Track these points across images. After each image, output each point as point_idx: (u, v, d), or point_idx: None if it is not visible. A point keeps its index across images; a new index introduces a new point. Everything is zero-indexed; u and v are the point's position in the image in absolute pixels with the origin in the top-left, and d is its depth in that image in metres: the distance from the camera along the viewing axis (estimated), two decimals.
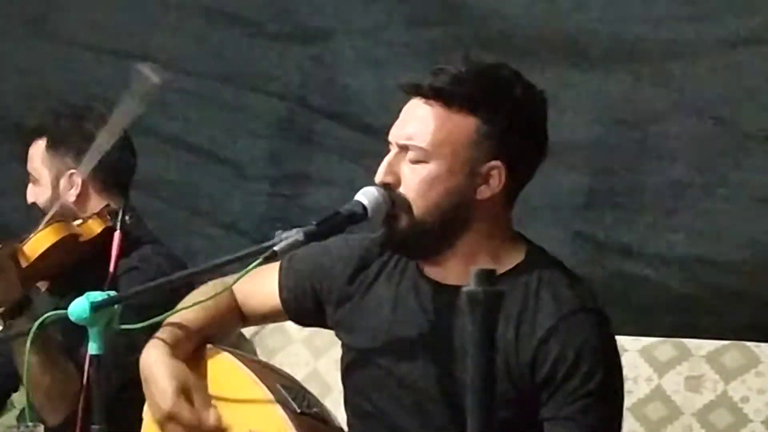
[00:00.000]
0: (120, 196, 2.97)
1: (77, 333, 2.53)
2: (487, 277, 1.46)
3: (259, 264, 2.17)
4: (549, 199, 3.12)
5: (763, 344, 2.87)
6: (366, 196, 2.24)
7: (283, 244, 2.18)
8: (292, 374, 3.18)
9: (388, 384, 2.30)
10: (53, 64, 3.86)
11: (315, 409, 2.37)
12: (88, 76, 3.84)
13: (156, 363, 2.38)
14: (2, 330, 2.72)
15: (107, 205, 2.94)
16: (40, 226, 2.82)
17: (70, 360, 2.72)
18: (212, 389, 2.43)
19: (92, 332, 2.19)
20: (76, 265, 2.86)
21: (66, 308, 2.20)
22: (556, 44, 3.18)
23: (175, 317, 2.42)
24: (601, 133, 3.14)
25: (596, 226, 3.19)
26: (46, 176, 2.97)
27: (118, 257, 2.78)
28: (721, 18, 3.05)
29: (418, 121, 2.20)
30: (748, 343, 2.88)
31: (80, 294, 2.18)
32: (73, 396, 2.61)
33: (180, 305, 2.41)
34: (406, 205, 2.21)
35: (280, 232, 2.21)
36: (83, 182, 2.95)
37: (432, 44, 3.34)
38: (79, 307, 2.18)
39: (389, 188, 2.21)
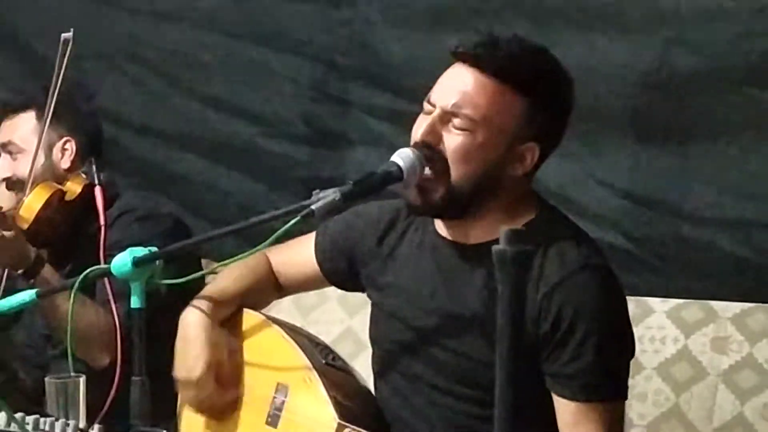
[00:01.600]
0: (97, 158, 3.00)
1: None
2: (516, 236, 1.48)
3: (297, 222, 2.15)
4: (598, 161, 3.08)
5: None
6: (401, 157, 2.23)
7: (320, 203, 2.17)
8: (327, 332, 3.25)
9: (407, 337, 2.34)
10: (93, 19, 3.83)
11: (339, 362, 2.41)
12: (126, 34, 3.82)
13: (194, 326, 2.42)
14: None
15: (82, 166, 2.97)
16: (27, 191, 2.87)
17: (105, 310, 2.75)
18: (245, 348, 2.47)
19: (134, 287, 2.19)
20: (69, 227, 2.91)
21: (68, 276, 2.23)
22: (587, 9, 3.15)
23: (214, 286, 2.49)
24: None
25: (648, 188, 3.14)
26: (35, 146, 2.93)
27: (105, 208, 2.84)
28: None
29: (470, 91, 2.20)
30: None
31: (81, 256, 2.22)
32: (111, 342, 2.64)
33: (220, 267, 2.44)
34: (444, 167, 2.21)
35: (317, 191, 2.20)
36: (76, 149, 2.99)
37: (461, 6, 3.31)
38: (120, 262, 2.19)
39: (429, 147, 2.20)
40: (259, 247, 2.23)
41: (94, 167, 2.91)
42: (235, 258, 2.29)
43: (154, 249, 2.21)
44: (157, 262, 2.20)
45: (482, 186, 2.22)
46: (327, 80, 3.53)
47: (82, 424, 1.92)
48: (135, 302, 2.18)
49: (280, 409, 2.38)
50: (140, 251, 2.20)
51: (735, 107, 2.98)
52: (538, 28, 3.14)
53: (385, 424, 2.37)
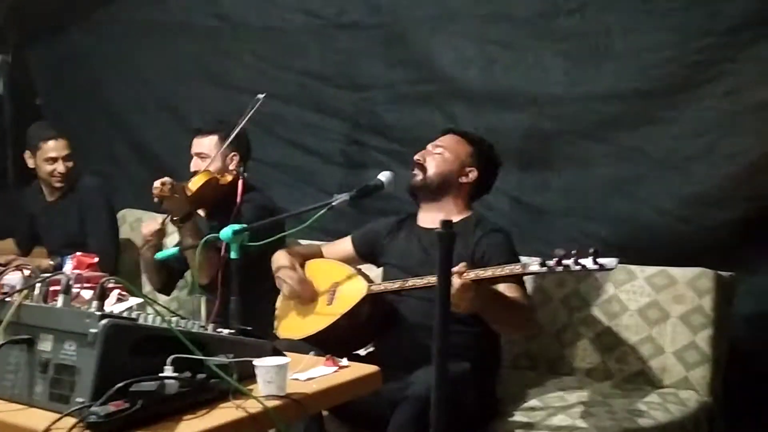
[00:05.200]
0: (243, 164, 2.93)
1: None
2: (446, 223, 1.48)
3: (325, 213, 2.19)
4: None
5: None
6: (384, 176, 2.32)
7: (337, 201, 2.22)
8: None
9: (401, 276, 2.36)
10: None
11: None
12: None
13: (283, 257, 2.50)
14: (179, 234, 2.68)
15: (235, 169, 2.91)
16: (197, 173, 2.81)
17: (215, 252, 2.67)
18: (312, 272, 2.50)
19: (233, 246, 2.17)
20: (219, 198, 2.82)
21: (217, 229, 2.19)
22: (493, 95, 3.05)
23: (290, 248, 2.58)
24: None
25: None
26: (217, 155, 2.88)
27: (243, 194, 2.77)
28: None
29: (448, 140, 2.47)
30: None
31: (222, 217, 2.16)
32: (214, 271, 2.56)
33: (286, 235, 2.47)
34: (425, 169, 2.41)
35: (336, 194, 2.23)
36: (238, 161, 2.91)
37: (427, 93, 3.20)
38: (226, 232, 2.17)
39: (423, 159, 2.42)
40: (303, 225, 2.23)
41: (242, 168, 2.84)
42: (293, 230, 2.29)
43: (245, 225, 2.16)
44: (246, 233, 2.17)
45: (444, 181, 2.38)
46: (354, 132, 3.45)
47: (203, 323, 1.84)
48: (233, 254, 2.17)
49: (333, 295, 2.41)
50: (237, 227, 2.16)
51: (570, 150, 2.91)
52: (468, 106, 3.06)
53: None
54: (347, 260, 2.57)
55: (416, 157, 2.45)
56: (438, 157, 2.42)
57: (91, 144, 4.10)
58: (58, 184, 3.41)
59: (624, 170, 2.80)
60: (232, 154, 2.91)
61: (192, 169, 2.96)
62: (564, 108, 2.88)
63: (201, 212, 2.89)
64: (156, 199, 2.63)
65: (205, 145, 2.95)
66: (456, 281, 1.99)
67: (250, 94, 3.58)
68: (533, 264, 1.93)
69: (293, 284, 2.44)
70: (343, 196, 2.22)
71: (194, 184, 2.75)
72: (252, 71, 3.64)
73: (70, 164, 3.41)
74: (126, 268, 3.44)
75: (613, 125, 2.80)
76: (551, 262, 1.87)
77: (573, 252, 1.84)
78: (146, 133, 4.02)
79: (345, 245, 2.61)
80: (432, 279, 2.20)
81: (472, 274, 2.03)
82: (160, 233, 2.74)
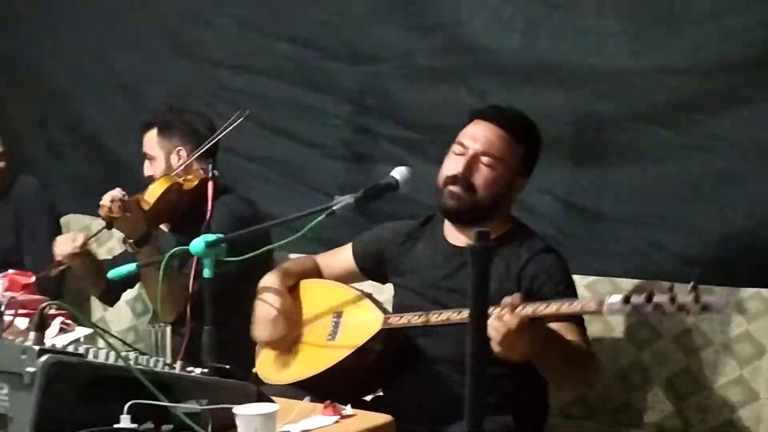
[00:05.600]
0: (210, 160, 2.87)
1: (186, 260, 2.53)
2: (482, 235, 1.44)
3: (323, 219, 2.17)
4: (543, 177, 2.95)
5: None
6: (399, 172, 2.30)
7: (339, 205, 2.20)
8: None
9: (416, 302, 2.38)
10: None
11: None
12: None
13: (270, 285, 2.46)
14: (133, 255, 2.71)
15: (202, 166, 2.91)
16: (153, 180, 2.83)
17: (181, 277, 2.69)
18: (305, 299, 2.49)
19: (206, 262, 2.17)
20: (183, 208, 2.83)
21: (184, 244, 2.19)
22: (536, 69, 3.03)
23: (281, 266, 2.57)
24: None
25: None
26: (160, 154, 2.94)
27: (214, 198, 2.74)
28: None
29: (492, 138, 2.36)
30: None
31: (191, 229, 2.18)
32: (183, 302, 2.55)
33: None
34: (472, 188, 2.34)
35: (337, 196, 2.22)
36: (187, 155, 2.94)
37: (450, 66, 3.19)
38: (197, 244, 2.17)
39: (465, 177, 2.34)
40: (297, 235, 2.20)
41: (210, 166, 2.76)
42: (283, 242, 2.24)
43: (221, 235, 2.17)
44: (222, 245, 2.18)
45: (494, 201, 2.35)
46: (358, 116, 3.44)
47: (168, 360, 1.85)
48: (206, 273, 2.16)
49: (336, 326, 2.39)
50: (211, 237, 2.16)
51: (635, 139, 2.88)
52: (504, 82, 3.05)
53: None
54: (346, 276, 2.57)
55: (458, 170, 2.34)
56: (488, 172, 2.34)
57: (27, 136, 4.13)
58: None
59: (705, 165, 2.77)
60: (177, 149, 2.94)
61: (146, 172, 3.00)
62: (626, 85, 2.85)
63: (164, 226, 2.91)
64: (103, 219, 2.64)
65: (147, 142, 2.98)
66: (508, 319, 1.92)
67: (228, 69, 3.62)
68: (613, 301, 1.83)
69: (270, 333, 2.40)
70: (346, 199, 2.21)
71: (151, 196, 2.76)
72: (229, 40, 3.65)
73: (1, 165, 3.45)
74: (71, 290, 3.45)
75: (689, 107, 2.78)
76: (638, 299, 1.78)
77: (668, 287, 1.77)
78: (96, 120, 4.04)
79: (344, 256, 2.61)
80: (465, 315, 2.15)
81: (528, 309, 1.95)
82: (80, 258, 2.74)
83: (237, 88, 3.65)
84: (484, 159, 2.33)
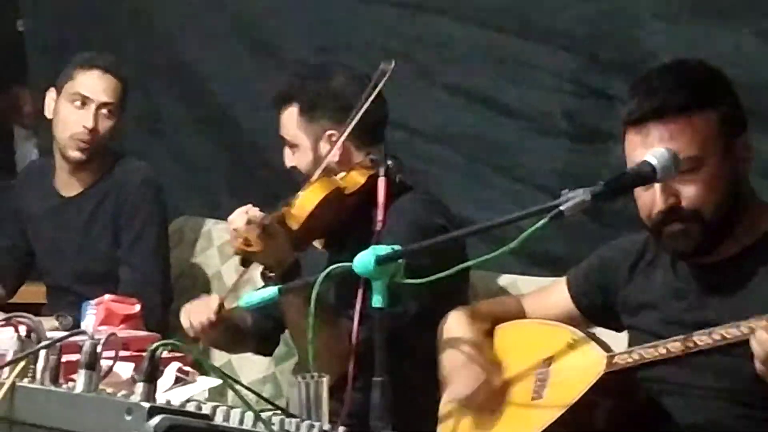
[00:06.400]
0: (378, 145, 2.93)
1: (348, 293, 2.53)
2: None
3: (545, 224, 2.13)
4: None
5: None
6: (655, 155, 2.25)
7: (569, 204, 2.16)
8: None
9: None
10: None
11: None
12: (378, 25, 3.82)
13: (457, 324, 2.49)
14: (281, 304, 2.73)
15: (368, 155, 2.91)
16: (305, 187, 2.81)
17: (340, 317, 2.71)
18: (503, 346, 2.54)
19: (376, 285, 2.16)
20: (346, 218, 2.85)
21: (343, 262, 2.20)
22: None
23: (468, 307, 2.61)
24: None
25: None
26: (305, 141, 2.94)
27: (388, 201, 2.76)
28: None
29: (675, 139, 2.32)
30: None
31: (354, 247, 2.18)
32: (344, 356, 2.57)
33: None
34: (693, 215, 2.33)
35: (566, 191, 2.19)
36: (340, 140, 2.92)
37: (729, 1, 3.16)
38: (363, 260, 2.15)
39: (674, 209, 2.32)
40: (506, 248, 2.17)
41: (384, 157, 2.84)
42: (482, 258, 2.22)
43: (397, 247, 2.17)
44: (400, 261, 2.16)
45: (731, 202, 2.35)
46: (588, 74, 3.42)
47: (326, 426, 1.86)
48: (376, 301, 2.15)
49: (544, 380, 2.43)
50: (382, 249, 2.17)
51: None
52: None
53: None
54: (563, 322, 2.59)
55: (659, 206, 2.34)
56: (697, 184, 2.34)
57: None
58: (77, 154, 3.55)
59: None
60: (327, 133, 2.94)
61: (287, 162, 3.02)
62: None
63: (316, 242, 2.94)
64: (236, 254, 2.68)
65: (285, 124, 3.00)
66: None
67: (396, 7, 3.65)
68: None
69: (467, 389, 2.43)
70: (579, 195, 2.17)
71: (302, 210, 2.75)
72: None
73: (110, 122, 3.54)
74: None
75: None
76: None
77: None
78: (217, 81, 4.19)
79: (557, 295, 2.64)
80: (732, 331, 2.19)
81: None
82: (218, 324, 2.79)
83: (410, 34, 3.69)
84: (691, 169, 2.32)
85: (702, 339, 2.24)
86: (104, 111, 3.52)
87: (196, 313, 2.80)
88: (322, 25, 3.91)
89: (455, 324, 2.51)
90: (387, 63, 2.81)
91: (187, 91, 4.32)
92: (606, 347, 2.41)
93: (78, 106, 3.51)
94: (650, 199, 2.34)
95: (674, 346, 2.28)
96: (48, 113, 3.61)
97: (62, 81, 3.56)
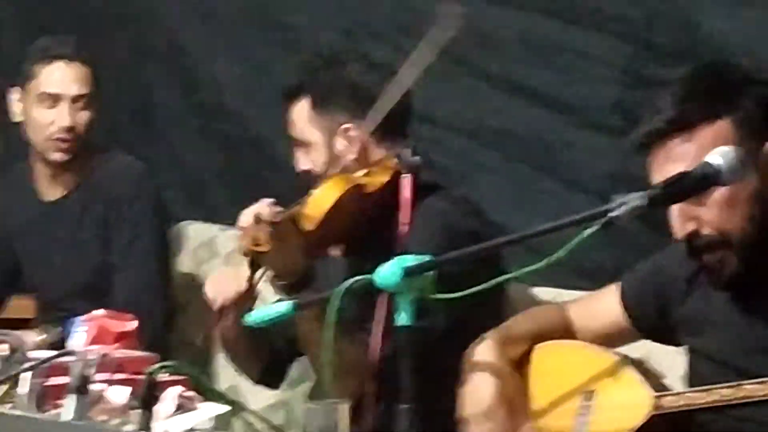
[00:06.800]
0: (402, 140, 2.93)
1: (369, 306, 2.55)
2: None
3: (594, 233, 2.13)
4: None
5: None
6: (720, 154, 2.23)
7: (623, 209, 2.14)
8: None
9: (727, 377, 2.38)
10: None
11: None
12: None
13: (486, 356, 2.49)
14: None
15: (390, 150, 2.91)
16: (319, 184, 2.81)
17: (357, 332, 2.72)
18: (541, 375, 2.55)
19: (401, 300, 2.15)
20: (367, 221, 2.85)
21: (364, 273, 2.20)
22: None
23: (500, 328, 2.60)
24: None
25: None
26: (318, 137, 2.95)
27: (414, 201, 2.77)
28: None
29: (688, 157, 2.33)
30: None
31: (376, 254, 2.19)
32: (362, 378, 2.61)
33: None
34: (722, 241, 2.33)
35: (617, 195, 2.17)
36: (360, 134, 2.93)
37: None
38: (388, 272, 2.15)
39: (696, 235, 2.34)
40: (551, 258, 2.16)
41: (409, 152, 2.84)
42: (526, 269, 2.21)
43: (428, 258, 2.18)
44: (430, 273, 2.17)
45: (762, 220, 2.34)
46: (641, 62, 3.44)
47: None
48: (402, 319, 2.15)
49: (585, 415, 2.45)
50: (410, 259, 2.17)
51: None
52: None
53: None
54: (613, 335, 2.62)
55: (685, 229, 2.37)
56: (721, 205, 2.35)
57: (111, 100, 4.32)
58: (59, 155, 3.56)
59: None
60: (343, 127, 2.94)
61: (299, 166, 3.01)
62: None
63: (334, 249, 2.94)
64: (245, 255, 2.69)
65: (296, 120, 3.00)
66: None
67: None
68: None
69: (474, 419, 2.44)
70: (634, 199, 2.16)
71: (317, 209, 2.75)
72: None
73: (85, 115, 3.56)
74: (189, 339, 3.56)
75: None
76: None
77: None
78: (221, 75, 4.20)
79: (607, 304, 2.64)
80: None
81: None
82: (247, 297, 2.80)
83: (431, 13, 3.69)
84: (705, 206, 2.34)
85: (756, 388, 2.24)
86: (79, 104, 3.53)
87: (223, 282, 2.83)
88: (344, 6, 3.93)
89: (484, 355, 2.51)
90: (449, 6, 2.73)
91: (186, 81, 4.33)
92: (655, 381, 2.41)
93: (49, 105, 3.52)
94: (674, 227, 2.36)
95: (726, 393, 2.28)
96: (15, 116, 3.62)
97: (25, 80, 3.56)
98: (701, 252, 2.36)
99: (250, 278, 2.77)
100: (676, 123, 2.37)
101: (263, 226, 2.64)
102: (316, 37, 3.92)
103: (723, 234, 2.34)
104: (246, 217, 2.68)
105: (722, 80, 2.42)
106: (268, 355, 3.01)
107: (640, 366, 2.47)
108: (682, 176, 2.24)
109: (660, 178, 2.31)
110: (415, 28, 3.66)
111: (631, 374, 2.42)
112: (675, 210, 2.35)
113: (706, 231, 2.34)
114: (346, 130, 2.95)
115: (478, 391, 2.47)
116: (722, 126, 2.35)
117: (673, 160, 2.35)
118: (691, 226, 2.34)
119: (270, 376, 3.10)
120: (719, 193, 2.32)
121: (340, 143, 2.96)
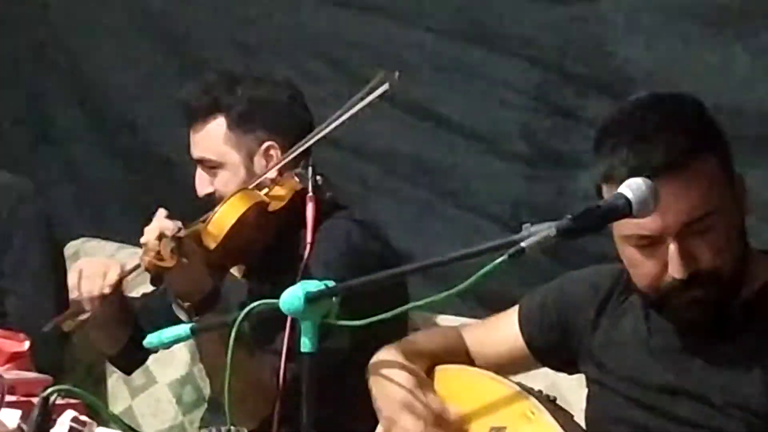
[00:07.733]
0: (302, 158, 2.93)
1: (274, 326, 2.57)
2: None
3: (503, 262, 2.12)
4: None
5: None
6: (630, 188, 2.23)
7: (531, 239, 2.14)
8: None
9: (634, 415, 2.41)
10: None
11: (559, 405, 2.44)
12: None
13: (391, 362, 2.48)
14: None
15: (293, 168, 2.91)
16: (223, 201, 2.82)
17: (263, 354, 2.72)
18: (446, 396, 2.50)
19: (305, 326, 2.15)
20: (270, 239, 2.87)
21: (266, 294, 2.20)
22: None
23: (403, 341, 2.59)
24: None
25: None
26: (236, 158, 2.95)
27: (316, 221, 2.77)
28: None
29: (681, 196, 2.32)
30: None
31: (279, 274, 2.19)
32: (268, 400, 2.59)
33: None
34: (711, 278, 2.32)
35: (528, 225, 2.18)
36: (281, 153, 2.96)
37: (717, 11, 3.18)
38: (292, 297, 2.14)
39: (697, 274, 2.31)
40: (455, 290, 2.16)
41: (309, 171, 2.85)
42: (428, 300, 2.22)
43: (331, 283, 2.17)
44: (334, 298, 2.16)
45: (741, 253, 2.37)
46: (552, 89, 3.47)
47: None
48: (305, 345, 2.15)
49: None
50: (314, 285, 2.16)
51: None
52: None
53: None
54: (510, 361, 2.61)
55: (681, 274, 2.34)
56: (719, 240, 2.36)
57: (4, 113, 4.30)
58: None
59: None
60: (265, 145, 2.96)
61: (201, 190, 3.00)
62: None
63: (234, 269, 2.95)
64: (147, 271, 2.67)
65: (204, 142, 2.98)
66: None
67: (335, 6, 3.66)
68: None
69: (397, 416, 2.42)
70: (543, 230, 2.17)
71: (220, 225, 2.77)
72: None
73: None
74: (83, 359, 3.55)
75: None
76: None
77: None
78: (124, 88, 4.18)
79: (506, 330, 2.63)
80: None
81: None
82: (109, 302, 2.79)
83: (346, 37, 3.72)
84: (695, 227, 2.33)
85: None
86: None
87: (89, 277, 2.78)
88: (243, 21, 3.92)
89: (388, 356, 2.50)
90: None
91: (84, 94, 4.29)
92: (567, 420, 2.39)
93: None
94: (656, 269, 2.33)
95: None
96: None
97: None
98: (690, 288, 2.33)
99: (121, 275, 2.76)
100: (670, 164, 2.32)
101: (167, 242, 2.62)
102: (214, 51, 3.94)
103: (718, 269, 2.33)
104: (150, 232, 2.66)
105: (699, 116, 2.41)
106: (129, 340, 2.96)
107: (552, 404, 2.43)
108: (592, 208, 2.22)
109: (653, 221, 2.30)
110: (310, 43, 3.74)
111: (547, 419, 2.38)
112: (674, 251, 2.31)
113: (703, 266, 2.32)
114: (268, 148, 2.97)
115: (388, 386, 2.45)
116: (711, 160, 2.34)
117: (669, 200, 2.30)
118: (694, 266, 2.32)
119: (124, 362, 3.08)
120: (718, 228, 2.32)
121: (258, 162, 2.97)
